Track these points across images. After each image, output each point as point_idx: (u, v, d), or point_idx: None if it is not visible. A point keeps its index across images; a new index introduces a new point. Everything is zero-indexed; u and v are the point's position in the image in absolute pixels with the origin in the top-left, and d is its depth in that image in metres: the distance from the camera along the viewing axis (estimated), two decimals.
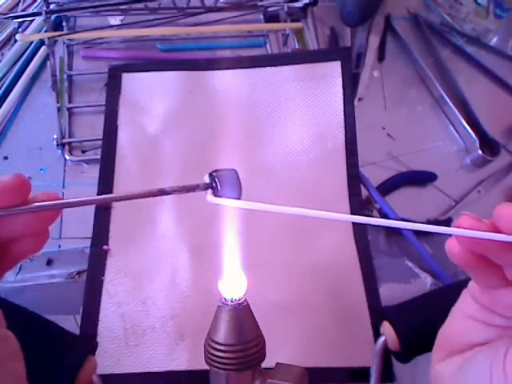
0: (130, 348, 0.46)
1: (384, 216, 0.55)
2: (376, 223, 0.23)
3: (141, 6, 0.67)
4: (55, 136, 0.58)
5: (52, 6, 0.65)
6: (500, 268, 0.24)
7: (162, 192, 0.25)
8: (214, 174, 0.25)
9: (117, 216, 0.52)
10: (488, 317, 0.26)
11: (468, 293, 0.28)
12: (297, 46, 0.67)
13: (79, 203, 0.24)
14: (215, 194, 0.25)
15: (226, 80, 0.60)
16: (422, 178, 0.59)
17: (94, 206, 0.52)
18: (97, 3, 0.66)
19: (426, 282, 0.51)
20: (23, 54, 0.65)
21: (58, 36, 0.63)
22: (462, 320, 0.28)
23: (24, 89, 0.62)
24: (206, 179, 0.25)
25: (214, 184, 0.25)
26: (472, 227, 0.22)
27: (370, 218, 0.23)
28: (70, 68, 0.65)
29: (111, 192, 0.54)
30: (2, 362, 0.23)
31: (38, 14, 0.64)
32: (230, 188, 0.25)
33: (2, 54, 0.65)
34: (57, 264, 0.52)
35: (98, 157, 0.56)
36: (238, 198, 0.25)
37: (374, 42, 0.68)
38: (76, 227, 0.53)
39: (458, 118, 0.62)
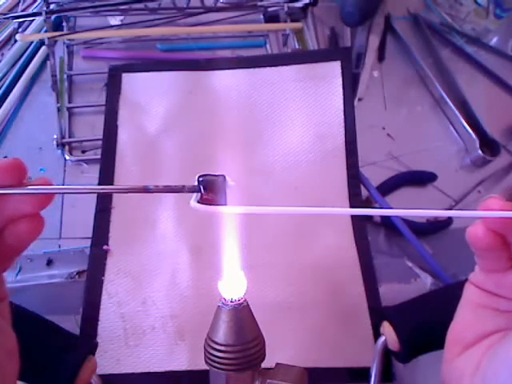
0: (130, 348, 0.46)
1: (384, 216, 0.55)
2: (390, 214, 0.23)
3: (141, 6, 0.67)
4: (55, 136, 0.58)
5: (52, 6, 0.65)
6: (509, 250, 0.25)
7: (147, 190, 0.25)
8: (201, 178, 0.25)
9: (117, 216, 0.52)
10: (495, 302, 0.27)
11: (471, 283, 0.29)
12: (297, 46, 0.67)
13: (71, 190, 0.26)
14: (200, 199, 0.25)
15: (225, 80, 0.60)
16: (422, 178, 0.59)
17: (94, 207, 0.52)
18: (97, 3, 0.66)
19: (426, 282, 0.51)
20: (23, 54, 0.65)
21: (58, 36, 0.63)
22: (473, 310, 0.28)
23: (24, 89, 0.62)
24: (195, 182, 0.26)
25: (198, 188, 0.25)
26: (503, 208, 0.24)
27: (380, 210, 0.23)
28: (70, 68, 0.65)
29: None
30: None
31: (38, 14, 0.64)
32: (215, 194, 0.25)
33: (2, 54, 0.65)
34: (57, 264, 0.52)
35: (98, 157, 0.56)
36: (224, 205, 0.26)
37: (374, 41, 0.68)
38: (76, 227, 0.53)
39: (458, 118, 0.62)
